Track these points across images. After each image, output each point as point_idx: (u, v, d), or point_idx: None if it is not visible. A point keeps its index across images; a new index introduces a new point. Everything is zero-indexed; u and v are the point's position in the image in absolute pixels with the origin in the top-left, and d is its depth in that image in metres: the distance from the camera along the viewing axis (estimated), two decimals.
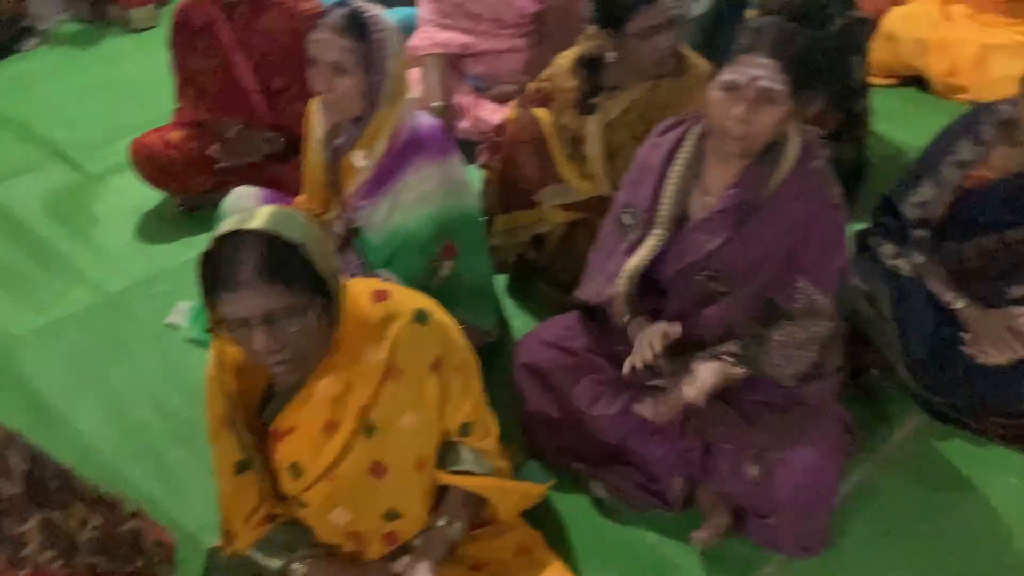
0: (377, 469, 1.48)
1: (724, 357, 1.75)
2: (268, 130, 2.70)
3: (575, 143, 2.28)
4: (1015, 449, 2.01)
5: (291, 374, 1.37)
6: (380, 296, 1.45)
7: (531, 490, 1.71)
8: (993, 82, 3.05)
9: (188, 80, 2.77)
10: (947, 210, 2.07)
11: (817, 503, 1.73)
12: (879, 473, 1.98)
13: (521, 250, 2.43)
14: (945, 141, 2.09)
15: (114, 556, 1.50)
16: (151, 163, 2.76)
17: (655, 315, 1.85)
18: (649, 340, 1.73)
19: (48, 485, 1.44)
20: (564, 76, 2.25)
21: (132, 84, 3.83)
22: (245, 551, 1.51)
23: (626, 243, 1.87)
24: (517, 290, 2.51)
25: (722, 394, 1.76)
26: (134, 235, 2.87)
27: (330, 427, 1.44)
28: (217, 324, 1.36)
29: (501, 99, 2.95)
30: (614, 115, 2.21)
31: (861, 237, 2.26)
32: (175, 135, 2.77)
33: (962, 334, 1.96)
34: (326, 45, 1.81)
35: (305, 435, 1.45)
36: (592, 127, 2.23)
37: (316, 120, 2.04)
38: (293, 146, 2.46)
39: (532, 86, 2.36)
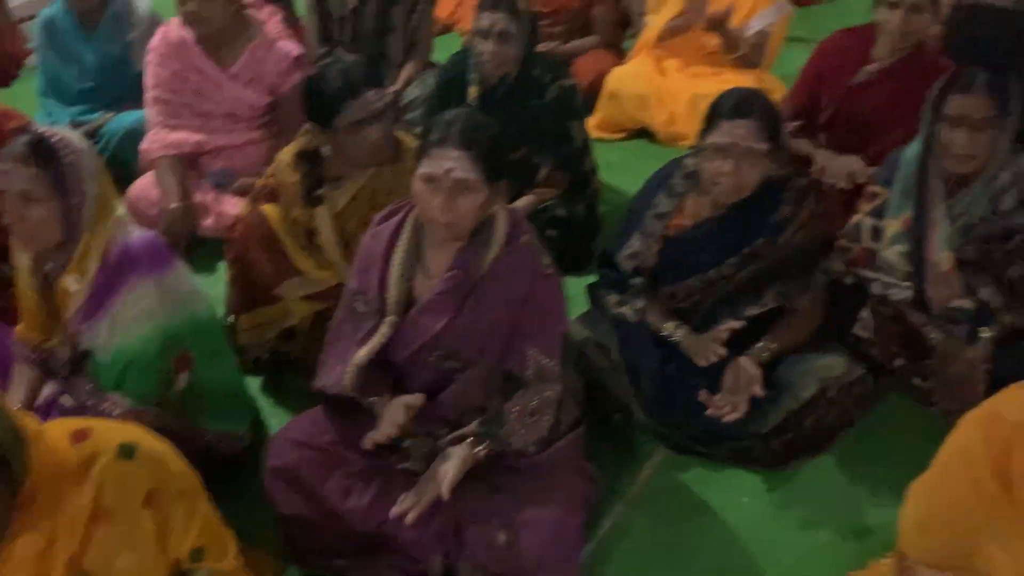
0: None
1: (468, 441, 1.82)
2: None
3: (309, 235, 2.30)
4: (745, 468, 2.19)
5: None
6: (79, 436, 1.39)
7: None
8: None
9: None
10: (656, 258, 2.26)
11: (564, 557, 1.81)
12: (629, 512, 2.10)
13: (272, 346, 2.41)
14: (646, 196, 2.29)
15: None
16: None
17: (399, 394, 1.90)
18: (391, 415, 1.77)
19: None
20: (286, 171, 2.28)
21: None
22: None
23: (361, 332, 1.92)
24: (275, 387, 2.48)
25: (469, 470, 1.82)
26: None
27: None
28: None
29: (243, 193, 2.93)
30: (342, 204, 2.26)
31: (591, 290, 2.42)
32: None
33: (712, 404, 2.10)
34: (10, 175, 1.74)
35: None
36: (322, 218, 2.26)
37: (18, 249, 1.95)
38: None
39: (259, 183, 2.37)
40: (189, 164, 2.98)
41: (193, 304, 2.01)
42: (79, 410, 1.90)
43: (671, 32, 3.59)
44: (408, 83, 3.53)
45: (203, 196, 2.95)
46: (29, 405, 1.98)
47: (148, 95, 2.99)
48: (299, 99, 2.28)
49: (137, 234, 1.92)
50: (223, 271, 2.51)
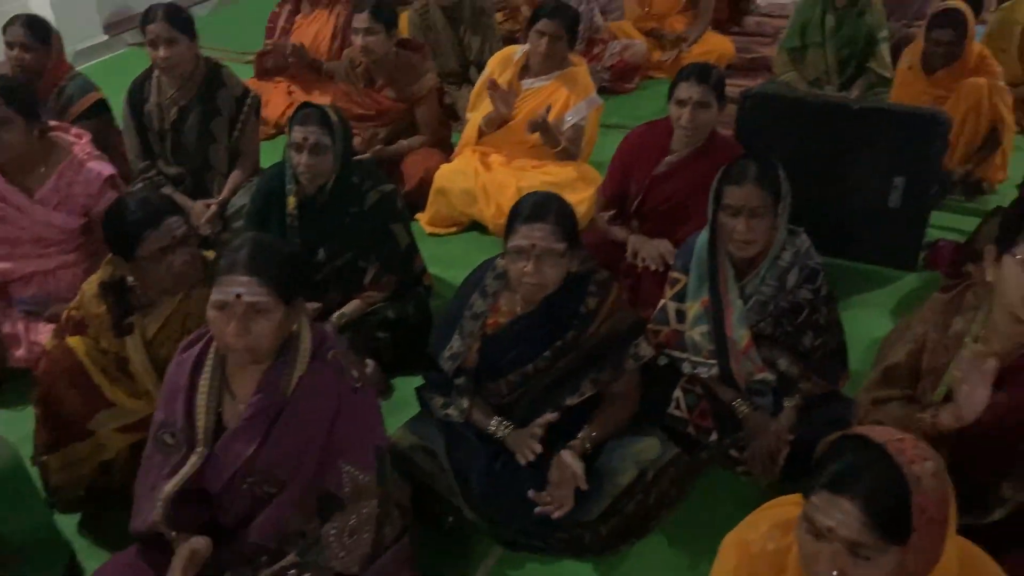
0: None
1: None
2: None
3: (121, 364, 2.24)
4: (578, 558, 2.23)
5: None
6: None
7: None
8: None
9: None
10: (476, 356, 2.32)
11: None
12: None
13: (88, 482, 2.30)
14: (462, 297, 2.36)
15: None
16: None
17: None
18: (177, 564, 1.73)
19: None
20: (92, 302, 2.22)
21: None
22: None
23: (169, 465, 1.87)
24: (94, 524, 2.36)
25: None
26: None
27: None
28: None
29: (56, 320, 2.82)
30: (153, 331, 2.21)
31: (418, 393, 2.44)
32: None
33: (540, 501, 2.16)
34: None
35: None
36: (133, 347, 2.21)
37: None
38: None
39: (64, 315, 2.29)
40: None
41: None
42: None
43: (488, 126, 3.73)
44: (234, 192, 3.52)
45: (12, 327, 2.82)
46: None
47: None
48: None
49: None
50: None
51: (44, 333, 2.79)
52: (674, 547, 2.26)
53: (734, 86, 5.05)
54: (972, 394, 1.78)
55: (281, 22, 4.63)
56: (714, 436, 2.43)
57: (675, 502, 2.33)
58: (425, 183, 3.74)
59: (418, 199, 3.77)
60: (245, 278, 1.73)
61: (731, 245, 2.34)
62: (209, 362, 1.88)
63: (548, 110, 3.55)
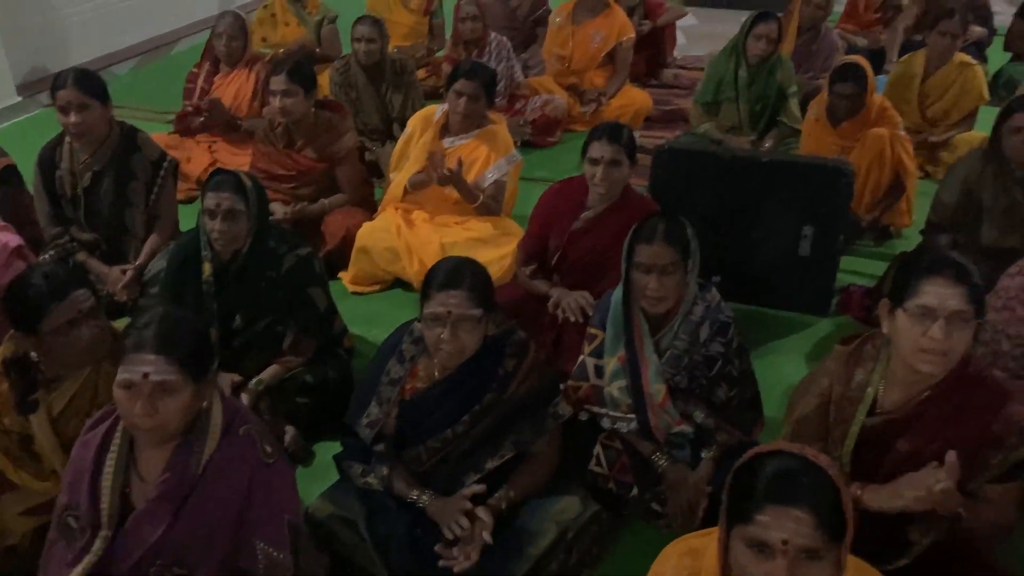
0: None
1: None
2: None
3: (25, 444, 2.17)
4: None
5: None
6: None
7: None
8: None
9: None
10: (395, 422, 2.31)
11: None
12: None
13: None
14: (379, 362, 2.35)
15: None
16: None
17: None
18: None
19: None
20: None
21: None
22: None
23: (73, 551, 1.81)
24: None
25: None
26: None
27: None
28: None
29: None
30: (59, 408, 2.15)
31: (336, 462, 2.41)
32: None
33: (446, 555, 2.14)
34: None
35: None
36: (38, 425, 2.14)
37: None
38: None
39: None
40: None
41: None
42: None
43: (414, 186, 3.75)
44: (152, 256, 3.46)
45: None
46: None
47: None
48: None
49: None
50: None
51: None
52: None
53: (652, 137, 5.23)
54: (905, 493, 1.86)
55: (200, 82, 4.61)
56: (635, 491, 2.45)
57: (597, 560, 2.34)
58: (347, 241, 3.73)
59: (340, 258, 3.76)
60: (152, 356, 1.70)
61: (644, 301, 2.39)
62: (116, 441, 1.83)
63: (460, 161, 3.57)
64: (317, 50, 5.55)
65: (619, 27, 5.39)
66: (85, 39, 6.11)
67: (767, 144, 4.55)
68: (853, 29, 6.34)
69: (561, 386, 2.52)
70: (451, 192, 3.70)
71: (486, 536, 2.11)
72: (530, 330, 3.01)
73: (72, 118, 3.20)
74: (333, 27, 5.63)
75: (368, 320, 3.48)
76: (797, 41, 5.22)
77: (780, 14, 5.23)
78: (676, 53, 6.56)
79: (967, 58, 4.65)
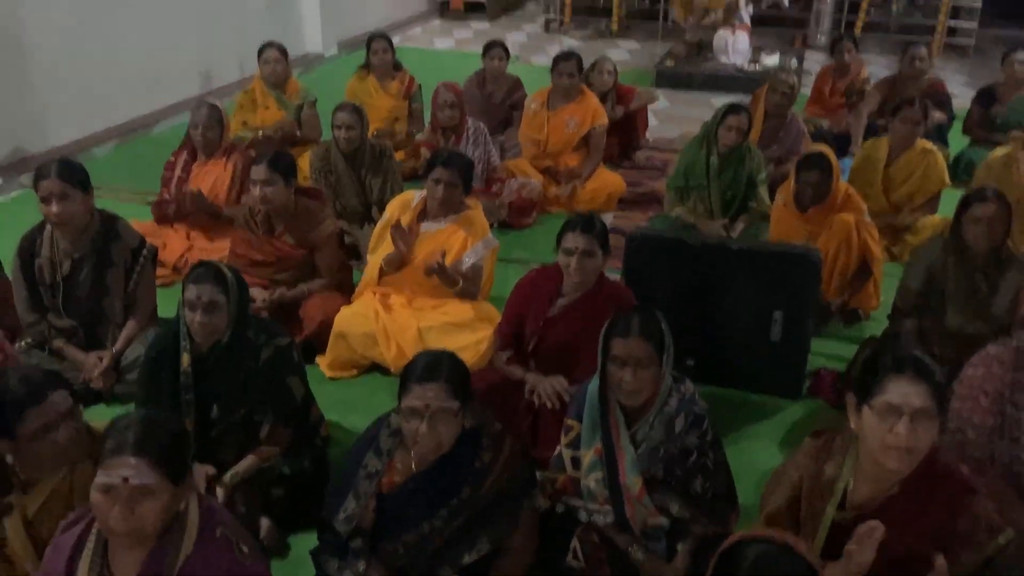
0: None
1: None
2: None
3: None
4: None
5: None
6: None
7: None
8: None
9: None
10: (372, 516, 2.31)
11: None
12: None
13: None
14: (356, 456, 2.36)
15: None
16: None
17: None
18: None
19: None
20: None
21: None
22: None
23: None
24: None
25: None
26: None
27: None
28: None
29: None
30: (34, 510, 2.13)
31: (313, 557, 2.40)
32: None
33: None
34: None
35: None
36: (12, 529, 2.12)
37: None
38: None
39: None
40: None
41: None
42: None
43: (388, 266, 3.80)
44: (128, 343, 3.48)
45: None
46: None
47: None
48: None
49: None
50: None
51: None
52: None
53: (626, 219, 5.34)
54: (860, 553, 1.87)
55: (177, 171, 4.65)
56: None
57: None
58: (325, 326, 3.75)
59: (318, 342, 3.77)
60: (133, 460, 1.71)
61: (620, 394, 2.43)
62: (90, 544, 1.83)
63: (443, 255, 3.64)
64: (297, 132, 5.66)
65: (592, 113, 5.55)
66: (65, 121, 6.17)
67: (738, 227, 4.66)
68: (819, 113, 6.57)
69: (538, 476, 2.55)
70: (427, 276, 3.75)
71: None
72: (507, 415, 3.07)
73: (54, 207, 3.24)
74: (313, 111, 5.75)
75: (345, 406, 3.49)
76: (763, 127, 5.39)
77: (748, 99, 5.44)
78: (648, 135, 6.74)
79: (929, 145, 4.82)
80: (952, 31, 9.86)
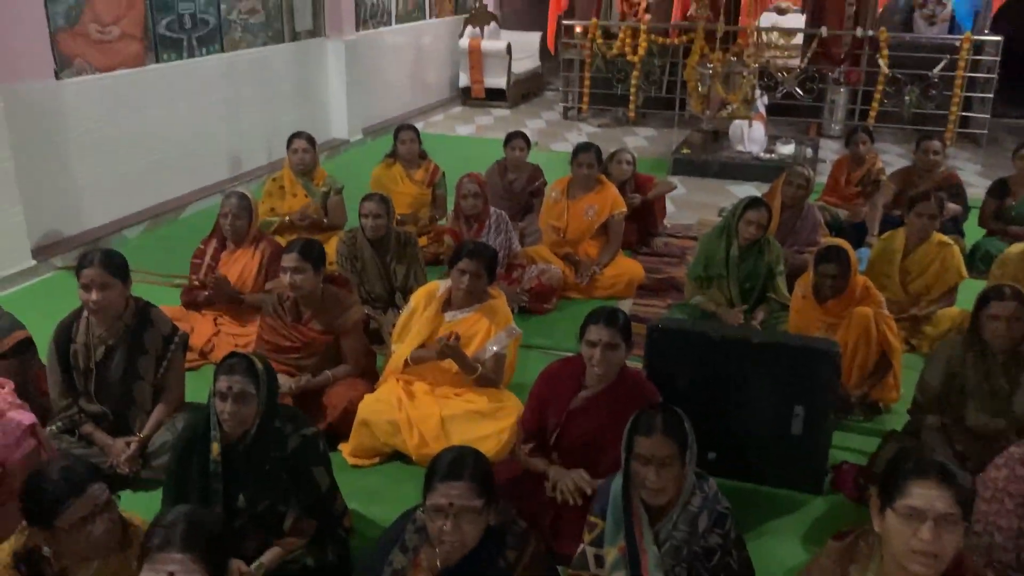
0: None
1: None
2: None
3: None
4: None
5: None
6: None
7: None
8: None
9: None
10: None
11: None
12: None
13: None
14: (382, 552, 2.38)
15: None
16: None
17: None
18: None
19: None
20: (2, 574, 2.17)
21: None
22: None
23: None
24: None
25: None
26: None
27: None
28: None
29: None
30: None
31: None
32: None
33: None
34: None
35: None
36: None
37: None
38: None
39: None
40: None
41: None
42: None
43: (416, 361, 3.87)
44: (156, 428, 3.53)
45: None
46: None
47: None
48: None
49: None
50: None
51: None
52: None
53: (645, 305, 5.41)
54: None
55: (207, 259, 4.78)
56: None
57: None
58: (349, 414, 3.80)
59: (341, 430, 3.81)
60: (179, 555, 1.77)
61: (643, 492, 2.45)
62: None
63: (457, 337, 3.69)
64: (324, 219, 5.80)
65: (611, 202, 5.68)
66: (98, 204, 6.36)
67: (758, 317, 4.72)
68: (835, 202, 6.67)
69: (560, 572, 2.55)
70: (451, 364, 3.81)
71: None
72: (529, 509, 3.08)
73: (94, 295, 3.34)
74: (339, 197, 5.90)
75: (368, 495, 3.50)
76: (781, 217, 5.48)
77: (764, 187, 5.54)
78: (666, 221, 6.86)
79: (944, 238, 4.89)
80: (965, 121, 10.04)
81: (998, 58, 9.59)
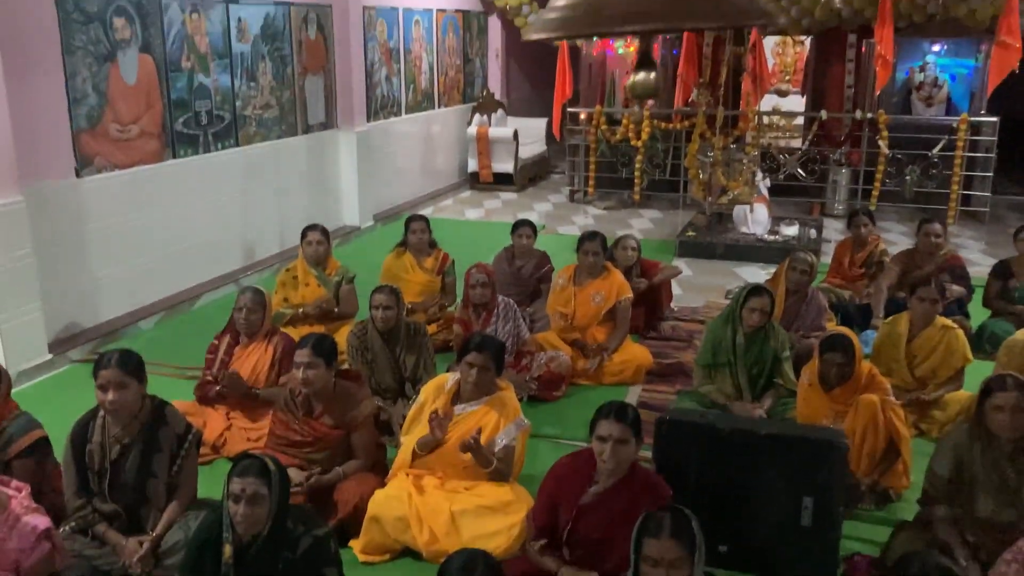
0: None
1: None
2: None
3: None
4: None
5: None
6: None
7: None
8: (466, 543, 3.56)
9: None
10: None
11: None
12: None
13: None
14: None
15: None
16: None
17: None
18: None
19: None
20: None
21: None
22: None
23: None
24: None
25: None
26: None
27: None
28: None
29: None
30: None
31: None
32: None
33: None
34: None
35: None
36: None
37: None
38: None
39: None
40: None
41: None
42: None
43: (422, 448, 3.90)
44: (169, 526, 3.55)
45: None
46: None
47: None
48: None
49: None
50: None
51: None
52: None
53: (653, 392, 5.43)
54: None
55: (220, 353, 4.86)
56: None
57: None
58: (359, 510, 3.81)
59: (352, 525, 3.82)
60: None
61: None
62: None
63: (479, 432, 3.75)
64: (335, 309, 5.90)
65: (618, 287, 5.77)
66: (116, 296, 6.48)
67: (766, 403, 4.75)
68: (840, 284, 6.75)
69: None
70: (462, 456, 3.84)
71: None
72: None
73: (110, 395, 3.40)
74: (351, 287, 6.02)
75: None
76: (786, 303, 5.55)
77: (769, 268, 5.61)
78: (673, 304, 6.93)
79: (948, 321, 4.94)
80: (967, 199, 10.17)
81: (995, 138, 9.77)
